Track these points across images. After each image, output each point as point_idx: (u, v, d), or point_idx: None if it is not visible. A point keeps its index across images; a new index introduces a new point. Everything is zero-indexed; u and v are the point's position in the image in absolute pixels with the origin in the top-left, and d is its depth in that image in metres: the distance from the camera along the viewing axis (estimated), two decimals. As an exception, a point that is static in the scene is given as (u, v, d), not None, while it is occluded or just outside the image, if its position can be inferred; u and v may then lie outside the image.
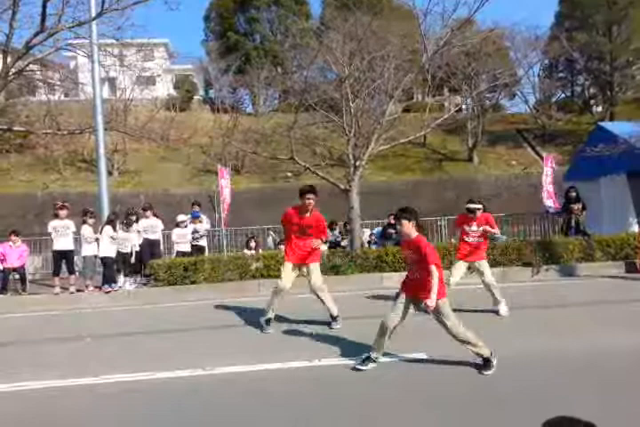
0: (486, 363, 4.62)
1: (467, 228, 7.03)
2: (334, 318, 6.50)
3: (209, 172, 28.99)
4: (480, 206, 7.05)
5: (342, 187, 11.57)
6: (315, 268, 6.51)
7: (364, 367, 4.74)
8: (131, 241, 10.21)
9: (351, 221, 11.64)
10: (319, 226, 6.51)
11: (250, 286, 9.55)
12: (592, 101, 39.25)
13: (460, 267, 7.02)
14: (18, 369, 5.31)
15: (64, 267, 10.01)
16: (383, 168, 30.40)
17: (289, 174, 30.35)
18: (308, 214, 6.43)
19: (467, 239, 7.03)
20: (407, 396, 4.22)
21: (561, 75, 39.85)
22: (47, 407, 4.34)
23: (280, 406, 4.10)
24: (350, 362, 4.98)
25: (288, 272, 6.44)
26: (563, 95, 40.92)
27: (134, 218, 10.56)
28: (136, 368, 5.08)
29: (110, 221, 9.98)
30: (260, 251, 12.22)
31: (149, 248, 10.72)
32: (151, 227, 10.85)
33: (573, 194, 11.81)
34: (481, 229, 6.98)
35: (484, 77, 29.50)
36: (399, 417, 3.83)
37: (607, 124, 16.98)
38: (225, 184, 11.67)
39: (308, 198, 6.31)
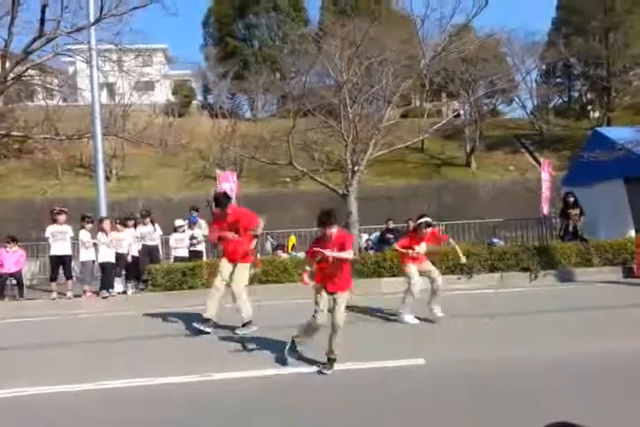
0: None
1: (410, 251, 6.94)
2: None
3: (207, 177, 29.00)
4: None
5: (340, 192, 11.60)
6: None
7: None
8: (126, 240, 10.18)
9: (349, 226, 11.65)
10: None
11: (248, 292, 9.50)
12: (589, 107, 39.39)
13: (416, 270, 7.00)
14: (15, 375, 5.28)
15: (61, 272, 9.98)
16: (381, 173, 30.42)
17: (287, 180, 30.36)
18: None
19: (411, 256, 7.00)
20: (407, 402, 4.20)
21: (558, 80, 40.03)
22: (44, 414, 4.31)
23: (279, 413, 4.09)
24: (345, 368, 4.97)
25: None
26: (560, 101, 41.11)
27: (132, 223, 10.57)
28: (134, 374, 5.06)
29: (100, 228, 9.93)
30: (259, 256, 12.18)
31: (148, 255, 10.68)
32: (148, 233, 10.79)
33: (571, 199, 11.83)
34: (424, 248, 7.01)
35: (482, 83, 29.64)
36: (400, 423, 3.82)
37: (604, 130, 17.02)
38: (227, 188, 11.69)
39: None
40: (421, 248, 7.02)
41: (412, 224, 14.62)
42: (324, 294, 5.03)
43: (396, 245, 7.19)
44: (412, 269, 6.96)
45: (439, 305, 6.96)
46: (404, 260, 7.09)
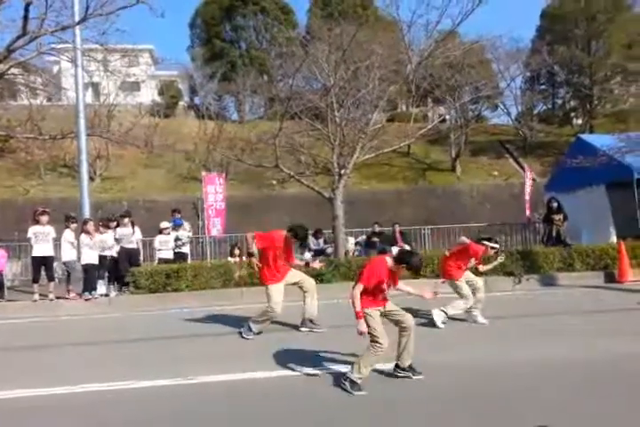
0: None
1: (473, 260, 7.13)
2: (313, 322, 6.80)
3: (193, 179, 28.83)
4: None
5: (327, 195, 11.60)
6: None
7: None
8: (108, 243, 10.08)
9: (335, 229, 11.66)
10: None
11: (233, 294, 9.49)
12: (572, 114, 39.98)
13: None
14: (-6, 378, 5.19)
15: (43, 273, 9.84)
16: (367, 177, 30.53)
17: (274, 182, 30.29)
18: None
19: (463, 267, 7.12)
20: (393, 406, 4.21)
21: (542, 87, 40.54)
22: (21, 418, 4.23)
23: (262, 416, 4.07)
24: (333, 371, 4.97)
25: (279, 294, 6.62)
26: (544, 107, 41.62)
27: (114, 224, 10.45)
28: (116, 377, 5.00)
29: (84, 230, 9.80)
30: (244, 259, 12.15)
31: (126, 257, 10.42)
32: (127, 236, 10.49)
33: (555, 204, 11.99)
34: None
35: (467, 89, 29.88)
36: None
37: (587, 137, 17.28)
38: (212, 190, 11.62)
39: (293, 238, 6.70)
40: (472, 263, 7.18)
41: (398, 228, 14.74)
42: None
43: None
44: (464, 285, 7.05)
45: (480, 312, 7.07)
46: (455, 274, 7.09)
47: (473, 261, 7.17)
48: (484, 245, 7.13)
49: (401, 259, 4.67)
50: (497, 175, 32.95)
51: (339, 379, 4.66)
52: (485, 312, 7.07)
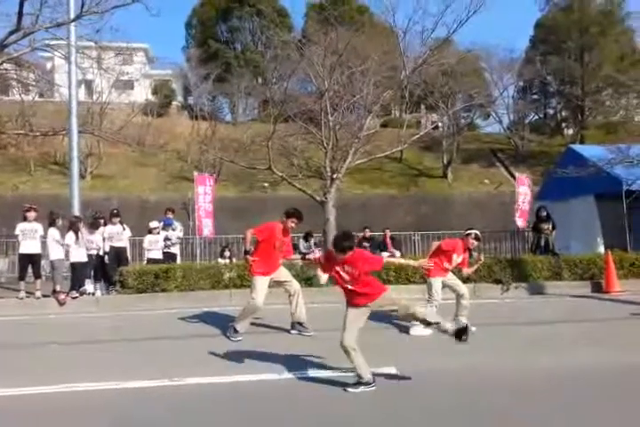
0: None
1: (455, 257, 6.89)
2: (302, 324, 6.79)
3: (185, 179, 28.75)
4: None
5: (318, 199, 11.61)
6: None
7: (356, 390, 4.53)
8: (96, 243, 10.00)
9: (326, 232, 11.66)
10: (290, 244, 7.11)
11: (222, 296, 9.44)
12: (563, 124, 40.44)
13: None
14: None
15: (30, 271, 9.73)
16: (360, 181, 30.61)
17: (265, 184, 30.29)
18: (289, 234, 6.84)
19: (445, 265, 6.88)
20: (376, 411, 4.21)
21: (534, 97, 40.98)
22: (4, 417, 4.18)
23: (249, 419, 4.04)
24: (318, 375, 4.96)
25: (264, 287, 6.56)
26: (535, 117, 42.05)
27: (102, 222, 10.36)
28: (102, 377, 4.94)
29: (71, 227, 9.69)
30: (234, 260, 12.12)
31: (115, 256, 10.34)
32: (117, 234, 10.42)
33: (543, 213, 12.07)
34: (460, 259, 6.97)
35: (460, 97, 30.19)
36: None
37: (578, 147, 17.47)
38: (202, 191, 11.60)
39: (293, 222, 6.62)
40: (455, 261, 6.92)
41: (388, 233, 14.78)
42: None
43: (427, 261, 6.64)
44: (438, 284, 6.84)
45: (466, 317, 6.91)
46: (432, 271, 6.79)
47: (456, 258, 6.89)
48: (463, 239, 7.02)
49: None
50: (488, 183, 33.18)
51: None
52: (474, 320, 7.08)
